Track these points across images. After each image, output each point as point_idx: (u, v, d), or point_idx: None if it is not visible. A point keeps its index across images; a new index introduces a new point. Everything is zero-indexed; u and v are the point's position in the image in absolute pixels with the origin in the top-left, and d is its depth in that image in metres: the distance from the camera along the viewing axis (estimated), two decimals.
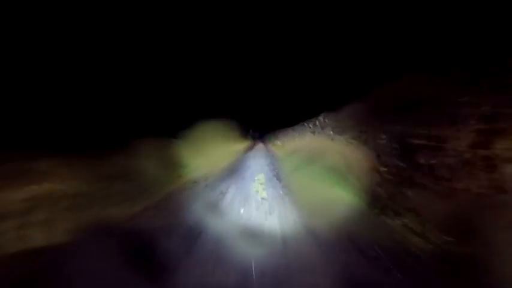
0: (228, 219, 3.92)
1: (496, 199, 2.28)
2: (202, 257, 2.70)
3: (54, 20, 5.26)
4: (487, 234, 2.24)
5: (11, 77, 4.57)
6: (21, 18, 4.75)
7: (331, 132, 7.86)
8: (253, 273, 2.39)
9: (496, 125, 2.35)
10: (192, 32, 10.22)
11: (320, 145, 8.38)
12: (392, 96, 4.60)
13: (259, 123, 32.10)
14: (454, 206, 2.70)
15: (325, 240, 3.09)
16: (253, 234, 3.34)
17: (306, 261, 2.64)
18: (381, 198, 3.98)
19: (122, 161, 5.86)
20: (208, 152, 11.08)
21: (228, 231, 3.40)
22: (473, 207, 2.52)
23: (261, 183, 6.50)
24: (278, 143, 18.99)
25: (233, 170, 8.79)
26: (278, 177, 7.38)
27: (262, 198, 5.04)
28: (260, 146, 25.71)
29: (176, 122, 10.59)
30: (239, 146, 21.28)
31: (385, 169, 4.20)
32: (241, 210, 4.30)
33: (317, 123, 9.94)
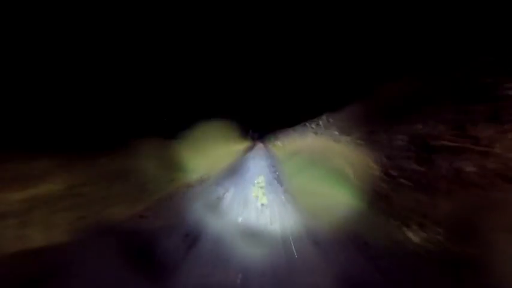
0: (227, 220, 3.92)
1: (496, 200, 2.29)
2: (202, 257, 2.70)
3: (55, 21, 5.26)
4: (487, 234, 2.25)
5: (11, 78, 4.57)
6: (21, 19, 4.75)
7: (336, 132, 7.50)
8: (253, 273, 2.39)
9: None
10: (192, 32, 10.22)
11: (323, 146, 8.01)
12: (405, 94, 4.36)
13: (259, 124, 32.09)
14: (454, 206, 2.70)
15: (325, 240, 3.09)
16: (253, 235, 3.34)
17: (306, 261, 2.64)
18: (383, 199, 3.94)
19: (122, 161, 5.86)
20: (207, 153, 10.98)
21: (227, 232, 3.39)
22: (473, 207, 2.53)
23: (261, 187, 6.11)
24: (278, 143, 18.85)
25: (232, 172, 8.51)
26: (279, 180, 7.01)
27: (262, 205, 4.62)
28: (260, 146, 25.69)
29: (176, 122, 10.60)
30: (239, 146, 21.26)
31: (397, 172, 3.91)
32: (239, 219, 3.92)
33: (320, 123, 9.60)
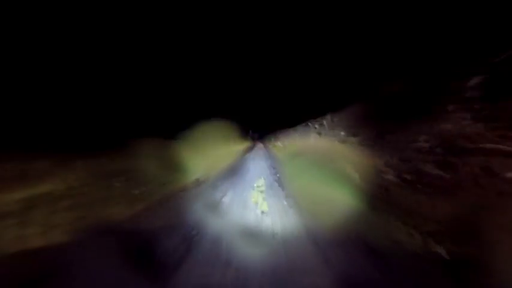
0: (226, 221, 3.92)
1: (496, 200, 2.29)
2: (202, 257, 2.70)
3: (55, 21, 5.27)
4: (488, 234, 2.25)
5: (12, 78, 4.57)
6: (22, 19, 4.75)
7: (342, 133, 7.05)
8: (253, 273, 2.39)
9: None
10: (192, 32, 10.22)
11: (327, 147, 7.59)
12: (427, 89, 3.94)
13: (259, 123, 32.03)
14: (455, 206, 2.70)
15: (325, 240, 3.09)
16: (252, 235, 3.34)
17: (306, 261, 2.64)
18: (394, 205, 3.89)
19: (121, 161, 5.86)
20: (207, 153, 10.89)
21: (227, 233, 3.39)
22: (474, 208, 2.53)
23: (260, 191, 5.70)
24: (279, 144, 18.61)
25: (230, 174, 8.21)
26: (280, 183, 6.60)
27: (263, 212, 4.24)
28: (260, 146, 25.67)
29: (176, 122, 10.60)
30: (238, 147, 21.24)
31: (412, 177, 3.61)
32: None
33: (324, 123, 9.10)
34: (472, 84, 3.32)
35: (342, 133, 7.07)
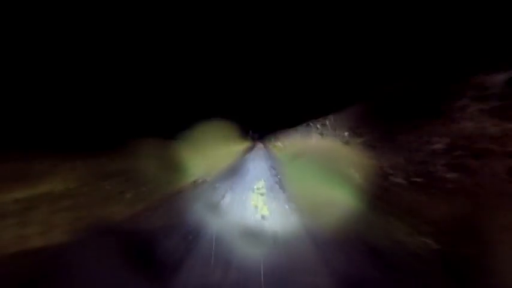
0: (227, 220, 3.92)
1: (496, 200, 2.29)
2: (202, 257, 2.70)
3: (55, 21, 5.27)
4: (487, 234, 2.25)
5: (12, 78, 4.57)
6: (22, 19, 4.75)
7: (346, 133, 6.83)
8: (253, 273, 2.40)
9: None
10: (192, 31, 10.22)
11: (330, 148, 7.37)
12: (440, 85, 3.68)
13: (259, 124, 31.97)
14: (455, 206, 2.70)
15: (325, 241, 3.09)
16: (252, 235, 3.34)
17: (306, 261, 2.65)
18: (385, 200, 3.88)
19: (121, 161, 5.86)
20: (206, 154, 10.83)
21: (227, 234, 3.39)
22: (473, 207, 2.53)
23: (261, 194, 5.49)
24: (279, 144, 18.47)
25: (229, 175, 8.06)
26: (281, 185, 6.39)
27: (263, 217, 4.04)
28: (260, 147, 25.65)
29: (175, 122, 10.60)
30: (238, 147, 21.20)
31: (423, 179, 3.42)
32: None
33: (326, 123, 8.79)
34: (494, 81, 3.03)
35: (346, 133, 6.86)
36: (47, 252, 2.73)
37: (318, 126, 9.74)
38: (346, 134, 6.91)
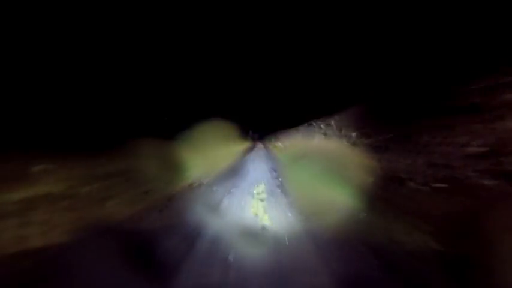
0: (227, 220, 3.91)
1: (496, 200, 2.29)
2: (202, 257, 2.70)
3: (54, 21, 5.27)
4: (487, 234, 2.25)
5: (11, 78, 4.57)
6: (21, 19, 4.75)
7: (353, 134, 6.40)
8: (253, 273, 2.40)
9: None
10: (192, 31, 10.22)
11: (335, 150, 6.94)
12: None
13: (259, 124, 31.88)
14: (455, 206, 2.70)
15: (325, 241, 3.09)
16: (252, 235, 3.34)
17: (306, 261, 2.65)
18: (385, 200, 3.85)
19: (121, 161, 5.86)
20: (206, 154, 10.77)
21: (227, 234, 3.39)
22: (473, 207, 2.53)
23: (261, 200, 5.07)
24: (279, 145, 18.27)
25: (228, 178, 7.78)
26: (283, 189, 5.96)
27: (263, 228, 3.57)
28: (260, 147, 25.59)
29: (175, 122, 10.60)
30: (238, 147, 21.15)
31: (447, 184, 3.05)
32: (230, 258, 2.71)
33: (332, 122, 8.27)
34: None
35: (353, 134, 6.42)
36: (47, 252, 2.73)
37: (322, 126, 9.28)
38: (352, 134, 6.49)
